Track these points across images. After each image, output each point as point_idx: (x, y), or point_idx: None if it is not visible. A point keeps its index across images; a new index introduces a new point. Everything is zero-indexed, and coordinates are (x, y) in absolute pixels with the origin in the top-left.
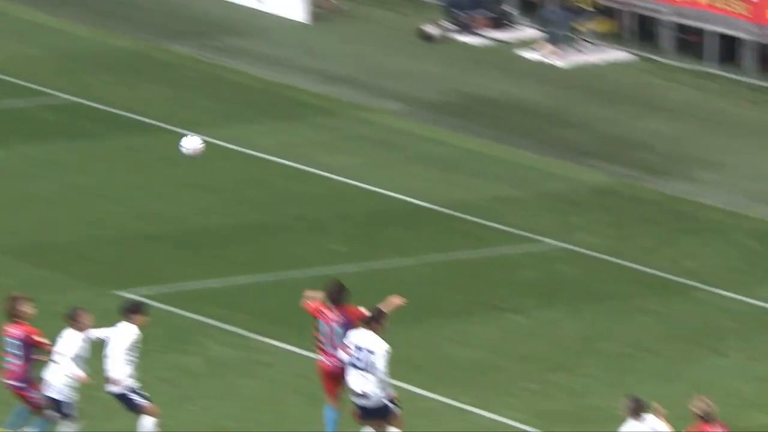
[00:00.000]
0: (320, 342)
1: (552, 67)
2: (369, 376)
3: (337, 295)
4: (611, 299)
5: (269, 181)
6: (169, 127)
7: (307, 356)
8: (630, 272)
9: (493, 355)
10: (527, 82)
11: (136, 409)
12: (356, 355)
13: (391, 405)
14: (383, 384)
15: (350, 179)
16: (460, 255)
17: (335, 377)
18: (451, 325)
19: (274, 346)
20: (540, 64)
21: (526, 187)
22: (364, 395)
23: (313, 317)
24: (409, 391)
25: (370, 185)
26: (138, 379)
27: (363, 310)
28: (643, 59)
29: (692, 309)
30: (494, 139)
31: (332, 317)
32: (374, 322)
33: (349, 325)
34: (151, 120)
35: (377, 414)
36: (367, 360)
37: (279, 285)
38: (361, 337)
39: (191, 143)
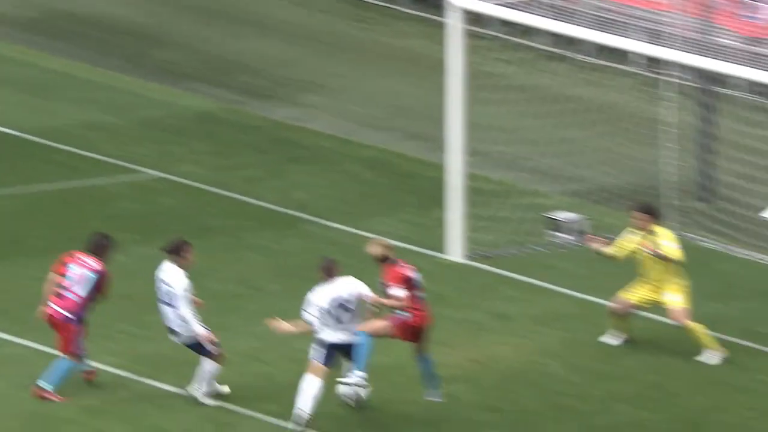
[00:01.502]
0: (60, 287)
1: None
2: (174, 311)
3: (101, 246)
4: (217, 234)
5: None
6: None
7: None
8: (236, 204)
9: None
10: None
11: None
12: (161, 288)
13: (205, 344)
14: (185, 320)
15: None
16: (48, 186)
17: (54, 325)
18: (39, 263)
19: None
20: None
21: (122, 114)
22: (172, 331)
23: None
24: None
25: None
26: None
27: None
28: None
29: (302, 243)
30: (85, 60)
31: (90, 265)
32: (176, 254)
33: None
34: None
35: (194, 350)
36: (170, 295)
37: None
38: (165, 271)
39: None
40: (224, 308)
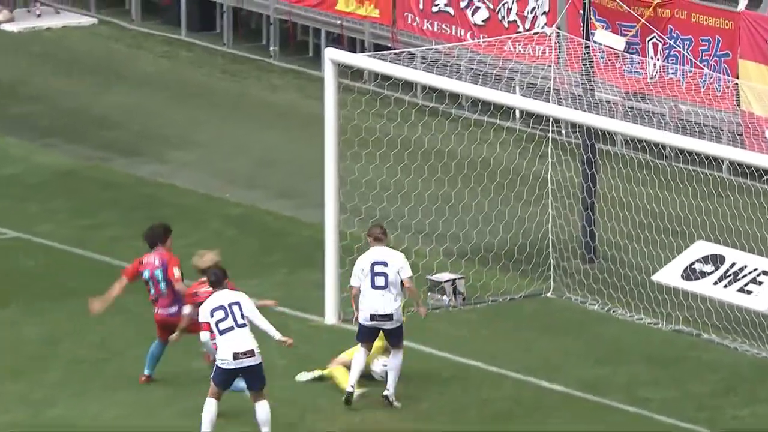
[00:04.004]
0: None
1: (2, 33)
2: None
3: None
4: (76, 296)
5: None
6: None
7: None
8: (97, 265)
9: None
10: None
11: None
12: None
13: None
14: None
15: None
16: None
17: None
18: None
19: None
20: None
21: None
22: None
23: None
24: None
25: None
26: None
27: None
28: (107, 24)
29: None
30: None
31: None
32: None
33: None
34: None
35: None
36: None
37: None
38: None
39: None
40: (83, 374)
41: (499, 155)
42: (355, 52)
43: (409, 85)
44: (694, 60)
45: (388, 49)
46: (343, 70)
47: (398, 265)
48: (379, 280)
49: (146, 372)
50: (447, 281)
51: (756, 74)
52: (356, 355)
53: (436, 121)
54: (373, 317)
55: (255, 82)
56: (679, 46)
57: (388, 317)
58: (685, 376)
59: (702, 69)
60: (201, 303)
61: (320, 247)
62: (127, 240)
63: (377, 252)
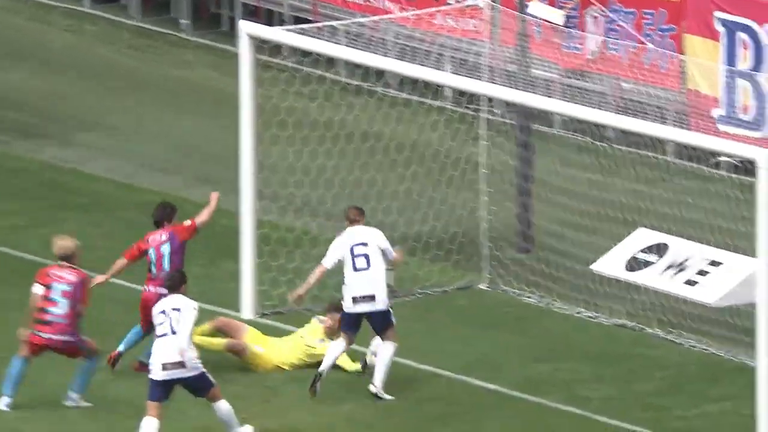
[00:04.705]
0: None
1: None
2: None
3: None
4: None
5: None
6: None
7: None
8: None
9: None
10: None
11: None
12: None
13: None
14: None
15: None
16: None
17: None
18: None
19: None
20: None
21: None
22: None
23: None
24: None
25: None
26: None
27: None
28: None
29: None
30: None
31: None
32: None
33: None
34: None
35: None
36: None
37: None
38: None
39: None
40: None
41: (428, 137)
42: (272, 25)
43: (331, 62)
44: (637, 35)
45: (309, 22)
46: (260, 45)
47: (378, 242)
48: (360, 262)
49: (120, 348)
50: None
51: (702, 50)
52: (334, 344)
53: (361, 100)
54: (354, 300)
55: (165, 58)
56: (622, 20)
57: (370, 298)
58: (629, 373)
59: (645, 44)
60: (50, 285)
61: (239, 236)
62: (27, 229)
63: (354, 233)
